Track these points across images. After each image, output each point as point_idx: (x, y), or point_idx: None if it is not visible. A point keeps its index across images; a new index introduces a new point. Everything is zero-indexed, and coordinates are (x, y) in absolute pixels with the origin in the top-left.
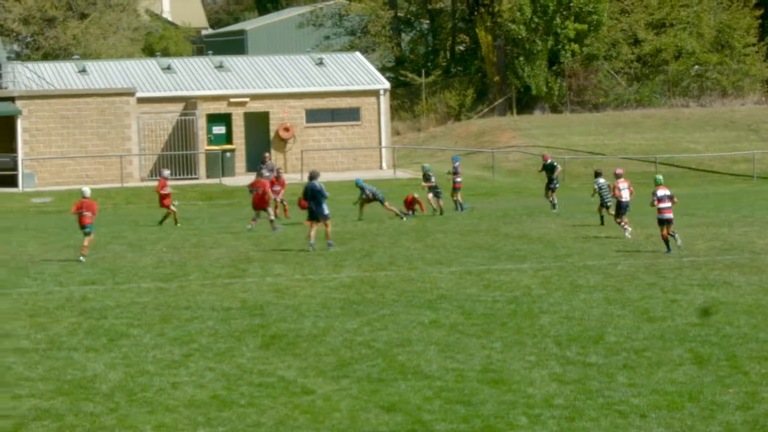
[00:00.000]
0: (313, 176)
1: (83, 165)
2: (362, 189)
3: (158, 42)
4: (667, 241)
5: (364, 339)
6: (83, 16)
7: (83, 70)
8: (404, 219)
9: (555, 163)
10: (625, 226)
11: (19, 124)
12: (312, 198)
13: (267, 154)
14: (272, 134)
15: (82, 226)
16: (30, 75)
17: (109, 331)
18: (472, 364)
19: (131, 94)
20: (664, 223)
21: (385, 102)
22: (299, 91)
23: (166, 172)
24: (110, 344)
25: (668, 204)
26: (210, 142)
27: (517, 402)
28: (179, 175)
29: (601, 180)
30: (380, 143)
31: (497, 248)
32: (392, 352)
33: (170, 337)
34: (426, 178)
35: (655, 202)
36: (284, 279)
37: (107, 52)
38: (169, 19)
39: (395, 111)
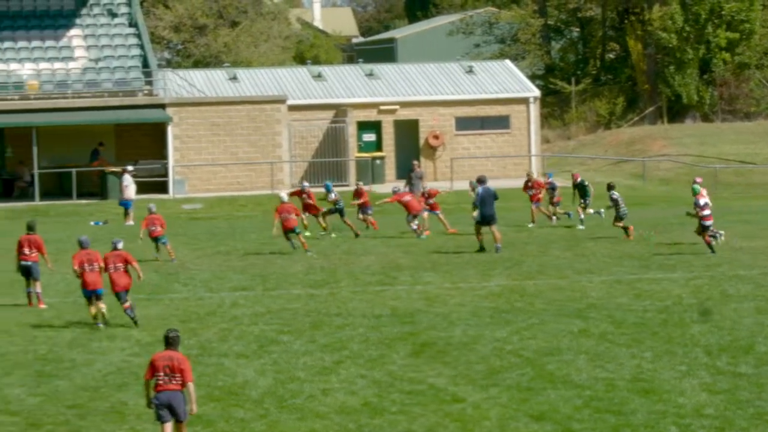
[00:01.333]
0: (482, 180)
1: (234, 172)
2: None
3: (309, 50)
4: (711, 245)
5: (514, 348)
6: (234, 24)
7: (234, 78)
8: (358, 236)
9: (586, 183)
10: (716, 233)
11: (170, 131)
12: (484, 202)
13: (415, 162)
14: (422, 142)
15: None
16: (181, 82)
17: (260, 337)
18: (622, 374)
19: (282, 101)
20: (706, 229)
21: (534, 110)
22: (449, 98)
23: (306, 184)
24: (260, 350)
25: (709, 211)
26: (360, 149)
27: (668, 412)
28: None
29: (615, 193)
30: (530, 151)
31: (647, 257)
32: (541, 360)
33: (321, 343)
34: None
35: (699, 211)
36: (434, 287)
37: (258, 60)
38: (320, 27)
39: (545, 119)
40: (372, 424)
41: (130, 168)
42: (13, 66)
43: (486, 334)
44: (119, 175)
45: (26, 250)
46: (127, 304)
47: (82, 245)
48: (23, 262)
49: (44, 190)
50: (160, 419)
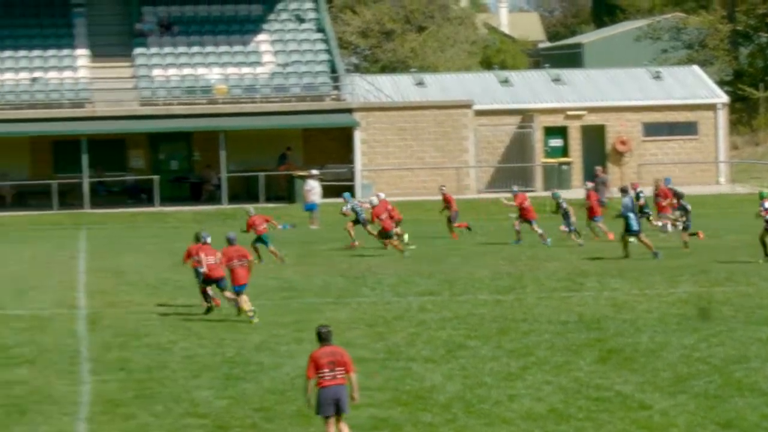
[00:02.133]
0: (625, 191)
1: (420, 176)
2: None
3: (495, 55)
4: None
5: (701, 355)
6: (421, 29)
7: (421, 83)
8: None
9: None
10: None
11: (357, 136)
12: (629, 212)
13: (599, 168)
14: (608, 147)
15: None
16: (368, 87)
17: (447, 342)
18: None
19: (469, 106)
20: None
21: (723, 116)
22: (636, 104)
23: (515, 188)
24: (448, 355)
25: None
26: (547, 154)
27: None
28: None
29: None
30: (717, 158)
31: None
32: (729, 368)
33: (507, 349)
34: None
35: (763, 213)
36: (621, 293)
37: (444, 65)
38: (507, 32)
39: (733, 125)
40: (558, 431)
41: (315, 172)
42: (201, 71)
43: (673, 341)
44: (305, 180)
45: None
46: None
47: (230, 242)
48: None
49: (232, 193)
50: (326, 414)
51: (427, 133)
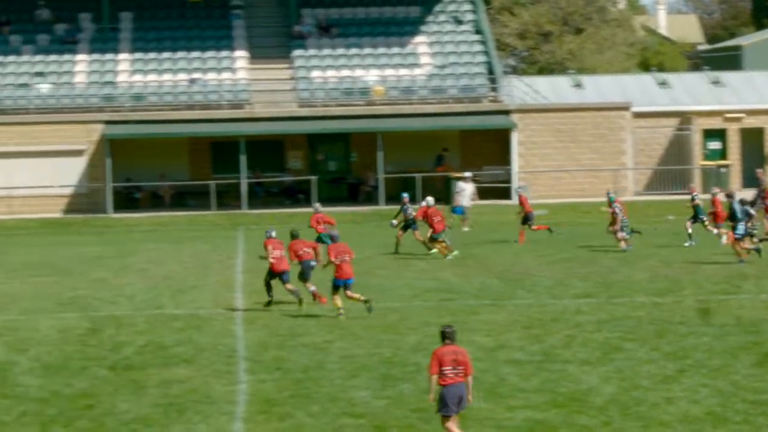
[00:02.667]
0: (731, 195)
1: (577, 178)
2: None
3: (654, 57)
4: None
5: None
6: (579, 31)
7: (578, 85)
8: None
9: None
10: None
11: (514, 138)
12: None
13: (759, 171)
14: (767, 150)
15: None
16: (525, 89)
17: (604, 344)
18: None
19: (626, 108)
20: None
21: None
22: None
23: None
24: (604, 358)
25: None
26: (705, 157)
27: None
28: (672, 189)
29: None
30: None
31: None
32: None
33: (665, 351)
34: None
35: None
36: None
37: (602, 67)
38: (665, 34)
39: None
40: None
41: (467, 174)
42: (359, 72)
43: None
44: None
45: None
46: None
47: (333, 239)
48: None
49: (389, 194)
50: (449, 412)
51: (584, 135)
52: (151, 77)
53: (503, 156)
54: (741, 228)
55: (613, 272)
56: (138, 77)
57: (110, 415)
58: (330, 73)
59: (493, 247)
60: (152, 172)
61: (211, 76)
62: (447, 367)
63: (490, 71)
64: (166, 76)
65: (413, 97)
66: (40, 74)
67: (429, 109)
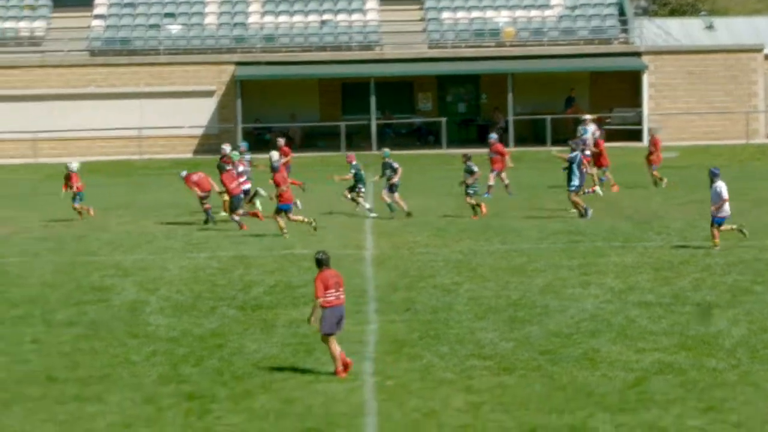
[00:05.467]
0: None
1: (708, 121)
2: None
3: None
4: None
5: None
6: None
7: (710, 27)
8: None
9: None
10: None
11: (645, 80)
12: None
13: None
14: None
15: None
16: (657, 31)
17: (732, 287)
18: None
19: (759, 50)
20: None
21: None
22: None
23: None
24: (733, 300)
25: None
26: None
27: None
28: None
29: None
30: None
31: None
32: None
33: None
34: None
35: None
36: None
37: (735, 9)
38: None
39: None
40: None
41: (587, 117)
42: (490, 14)
43: None
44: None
45: None
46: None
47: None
48: None
49: (518, 136)
50: (333, 331)
51: (715, 78)
52: (282, 18)
53: (633, 98)
54: None
55: (743, 215)
56: (269, 18)
57: (239, 354)
58: (460, 14)
59: (622, 189)
60: (282, 113)
61: (341, 17)
62: (330, 290)
63: (621, 12)
64: (297, 18)
65: (543, 39)
66: (170, 15)
67: (559, 51)
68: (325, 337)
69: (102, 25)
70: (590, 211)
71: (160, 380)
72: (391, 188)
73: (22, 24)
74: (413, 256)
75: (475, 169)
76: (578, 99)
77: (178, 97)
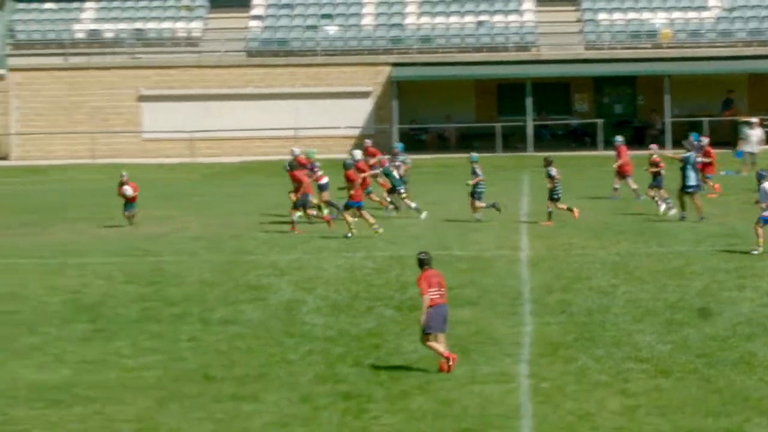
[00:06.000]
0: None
1: None
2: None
3: None
4: None
5: None
6: None
7: None
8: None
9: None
10: None
11: None
12: None
13: None
14: None
15: None
16: None
17: None
18: None
19: None
20: None
21: None
22: None
23: None
24: None
25: None
26: None
27: None
28: None
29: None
30: None
31: None
32: None
33: None
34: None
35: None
36: None
37: None
38: None
39: None
40: None
41: (753, 120)
42: (647, 15)
43: None
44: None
45: None
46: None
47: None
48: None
49: (675, 138)
50: (435, 330)
51: None
52: (439, 19)
53: None
54: None
55: None
56: (425, 19)
57: (396, 354)
58: (617, 15)
59: None
60: (438, 114)
61: (498, 18)
62: (433, 288)
63: None
64: (453, 18)
65: (701, 41)
66: (327, 16)
67: (717, 53)
68: (426, 336)
69: (259, 25)
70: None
71: (317, 380)
72: (473, 194)
73: (180, 25)
74: (569, 258)
75: (554, 173)
76: (736, 101)
77: (335, 97)
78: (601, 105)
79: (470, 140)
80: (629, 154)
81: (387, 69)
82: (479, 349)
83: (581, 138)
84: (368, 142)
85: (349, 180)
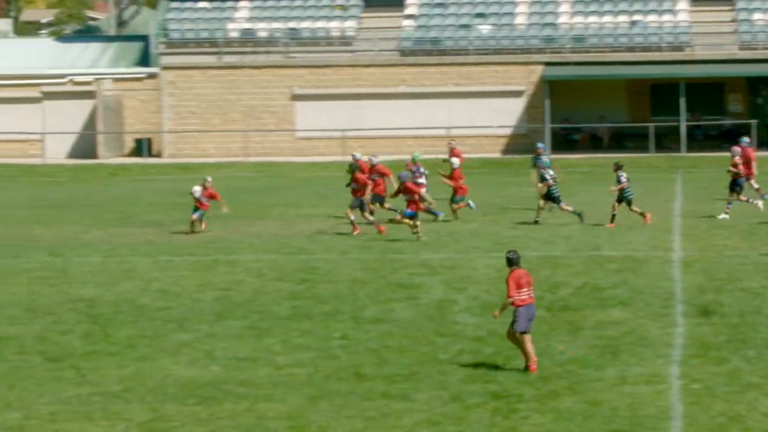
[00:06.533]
0: None
1: None
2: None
3: None
4: None
5: None
6: None
7: None
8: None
9: None
10: None
11: None
12: None
13: None
14: None
15: None
16: None
17: None
18: None
19: None
20: None
21: None
22: None
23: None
24: None
25: None
26: None
27: None
28: None
29: None
30: None
31: None
32: None
33: None
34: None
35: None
36: None
37: None
38: None
39: None
40: None
41: None
42: None
43: None
44: None
45: None
46: None
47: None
48: None
49: None
50: (526, 329)
51: None
52: (592, 19)
53: None
54: None
55: None
56: (579, 18)
57: (546, 355)
58: None
59: None
60: (590, 114)
61: (651, 18)
62: (522, 289)
63: None
64: (607, 18)
65: None
66: (481, 15)
67: None
68: (520, 335)
69: (413, 25)
70: None
71: (467, 379)
72: (547, 196)
73: (333, 24)
74: (721, 259)
75: (623, 179)
76: None
77: (487, 97)
78: (756, 105)
79: (622, 140)
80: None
81: (539, 68)
82: (630, 349)
83: (735, 138)
84: (453, 143)
85: (409, 191)
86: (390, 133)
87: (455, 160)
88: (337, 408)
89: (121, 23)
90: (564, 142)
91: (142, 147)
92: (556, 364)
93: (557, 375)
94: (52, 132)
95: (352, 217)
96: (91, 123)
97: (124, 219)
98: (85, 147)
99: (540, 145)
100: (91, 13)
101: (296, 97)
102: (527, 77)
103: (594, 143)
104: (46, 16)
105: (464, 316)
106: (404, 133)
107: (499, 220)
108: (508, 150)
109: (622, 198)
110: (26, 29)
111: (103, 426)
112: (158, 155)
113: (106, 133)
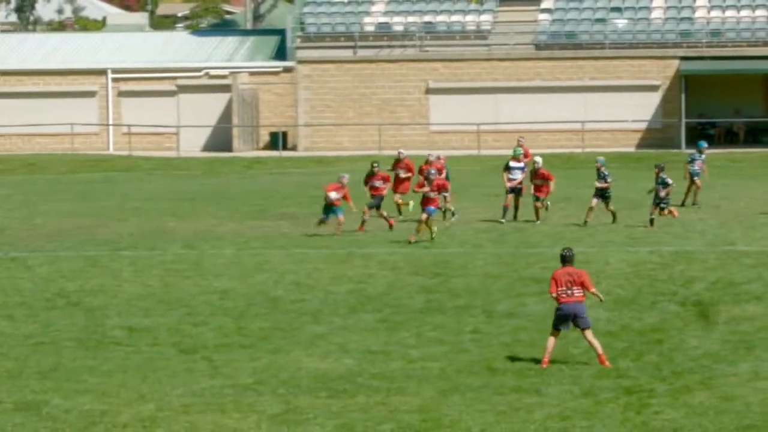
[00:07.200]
0: None
1: None
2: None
3: None
4: None
5: None
6: None
7: None
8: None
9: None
10: None
11: None
12: None
13: None
14: None
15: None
16: None
17: None
18: None
19: None
20: None
21: None
22: None
23: None
24: None
25: None
26: None
27: None
28: None
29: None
30: None
31: None
32: None
33: None
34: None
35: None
36: None
37: None
38: None
39: None
40: None
41: None
42: None
43: None
44: None
45: None
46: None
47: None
48: None
49: None
50: (557, 328)
51: None
52: (729, 13)
53: None
54: None
55: None
56: (716, 13)
57: (678, 350)
58: None
59: None
60: (726, 108)
61: None
62: (561, 288)
63: None
64: (744, 12)
65: None
66: (617, 9)
67: None
68: (554, 332)
69: (548, 19)
70: None
71: (599, 374)
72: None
73: (469, 18)
74: None
75: (670, 181)
76: None
77: (622, 91)
78: None
79: (759, 135)
80: None
81: (675, 63)
82: (765, 344)
83: None
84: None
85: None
86: (525, 127)
87: (538, 159)
88: (468, 402)
89: (257, 17)
90: (699, 136)
91: (277, 140)
92: (690, 359)
93: (690, 370)
94: (187, 125)
95: (366, 217)
96: (226, 116)
97: (259, 212)
98: (220, 140)
99: (701, 143)
100: (227, 7)
101: (431, 91)
102: (663, 71)
103: (730, 138)
104: (182, 9)
105: (596, 311)
106: (539, 128)
107: (632, 213)
108: (642, 144)
109: (659, 200)
110: (162, 23)
111: (235, 418)
112: (293, 148)
113: (242, 127)
